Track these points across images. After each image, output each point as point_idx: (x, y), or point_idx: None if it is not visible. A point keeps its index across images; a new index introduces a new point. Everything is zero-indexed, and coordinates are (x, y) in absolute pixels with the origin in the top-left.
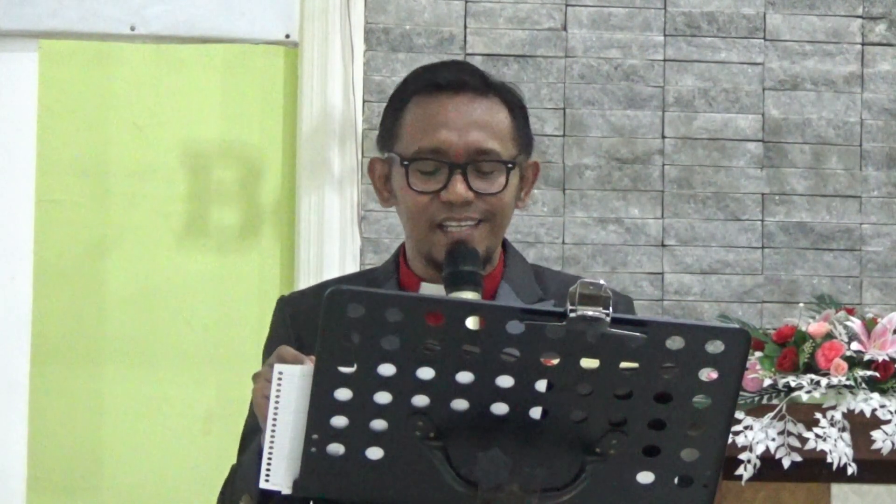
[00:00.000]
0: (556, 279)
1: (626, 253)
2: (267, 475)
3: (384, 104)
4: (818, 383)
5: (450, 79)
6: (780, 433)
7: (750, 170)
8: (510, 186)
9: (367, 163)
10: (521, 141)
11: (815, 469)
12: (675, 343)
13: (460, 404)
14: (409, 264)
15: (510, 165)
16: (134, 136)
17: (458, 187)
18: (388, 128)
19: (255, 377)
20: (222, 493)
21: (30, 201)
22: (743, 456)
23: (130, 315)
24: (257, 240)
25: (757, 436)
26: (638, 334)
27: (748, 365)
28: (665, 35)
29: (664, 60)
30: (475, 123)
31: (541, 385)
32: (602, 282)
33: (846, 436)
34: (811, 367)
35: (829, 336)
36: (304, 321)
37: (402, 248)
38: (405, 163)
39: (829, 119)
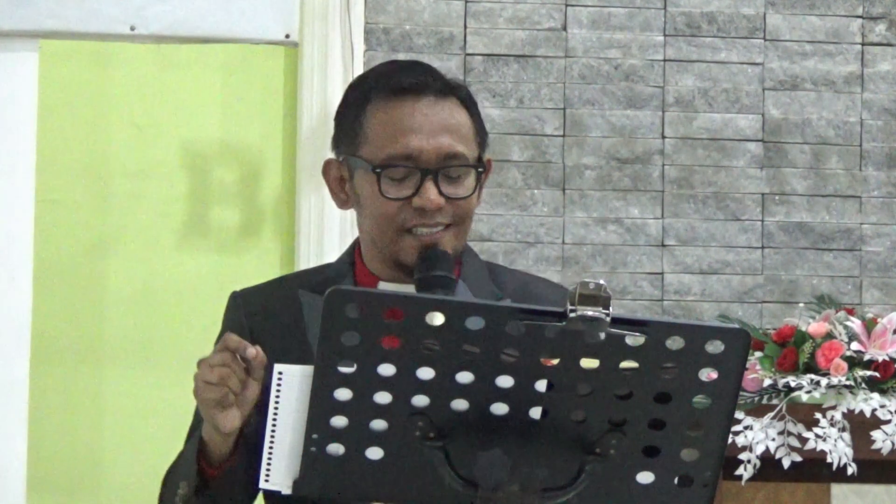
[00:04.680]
0: (512, 277)
1: (626, 253)
2: (267, 475)
3: None
4: (818, 383)
5: (412, 82)
6: (780, 433)
7: (750, 170)
8: (477, 189)
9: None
10: (480, 140)
11: (815, 469)
12: (675, 343)
13: (460, 404)
14: (365, 263)
15: (480, 170)
16: (134, 136)
17: (431, 193)
18: (348, 131)
19: (200, 363)
20: (164, 482)
21: (30, 201)
22: (743, 456)
23: (130, 315)
24: (257, 240)
25: (757, 436)
26: (638, 334)
27: (748, 365)
28: (665, 35)
29: (664, 60)
30: (442, 127)
31: (541, 385)
32: (602, 282)
33: (846, 436)
34: (811, 367)
35: (829, 336)
36: (261, 318)
37: (357, 246)
38: (377, 170)
39: (829, 119)
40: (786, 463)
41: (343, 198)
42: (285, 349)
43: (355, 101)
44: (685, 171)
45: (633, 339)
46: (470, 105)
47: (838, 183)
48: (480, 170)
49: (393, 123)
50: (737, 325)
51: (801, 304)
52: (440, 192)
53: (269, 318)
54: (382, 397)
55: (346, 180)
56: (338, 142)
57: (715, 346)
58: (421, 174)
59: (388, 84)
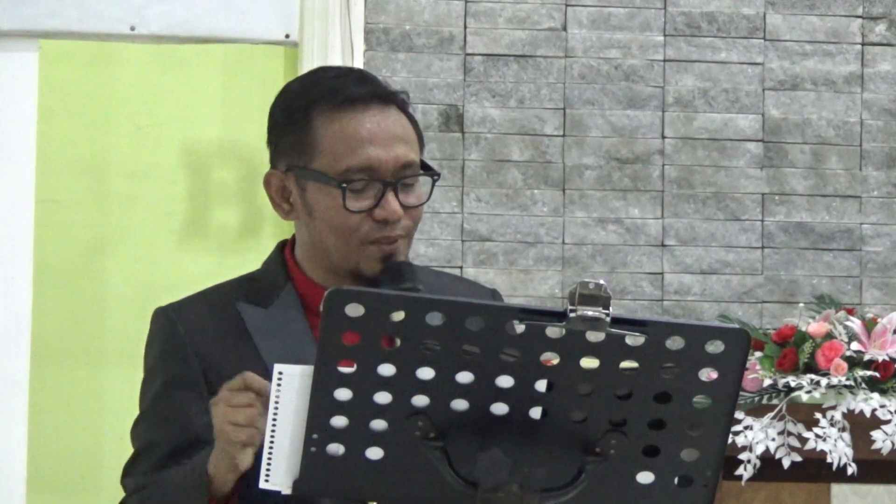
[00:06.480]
0: (430, 278)
1: (626, 253)
2: (267, 475)
3: None
4: (818, 383)
5: (359, 92)
6: (780, 433)
7: (750, 170)
8: (429, 195)
9: None
10: (421, 145)
11: (815, 469)
12: (675, 343)
13: (460, 404)
14: (305, 271)
15: (436, 177)
16: (134, 136)
17: (394, 205)
18: (294, 143)
19: (217, 402)
20: None
21: (30, 201)
22: (743, 456)
23: (130, 315)
24: (257, 240)
25: (757, 436)
26: (638, 334)
27: (748, 365)
28: (665, 35)
29: (664, 60)
30: (395, 137)
31: (541, 385)
32: (602, 282)
33: (846, 436)
34: (811, 367)
35: (829, 336)
36: (202, 334)
37: (286, 254)
38: (343, 185)
39: (829, 119)
40: (786, 463)
41: (287, 208)
42: (238, 364)
43: (297, 112)
44: (685, 171)
45: (633, 339)
46: (407, 110)
47: (838, 183)
48: (436, 177)
49: (348, 135)
50: (737, 325)
51: (801, 304)
52: (400, 203)
53: (210, 334)
54: (382, 397)
55: (290, 191)
56: (279, 153)
57: (715, 346)
58: (382, 186)
59: (333, 94)
